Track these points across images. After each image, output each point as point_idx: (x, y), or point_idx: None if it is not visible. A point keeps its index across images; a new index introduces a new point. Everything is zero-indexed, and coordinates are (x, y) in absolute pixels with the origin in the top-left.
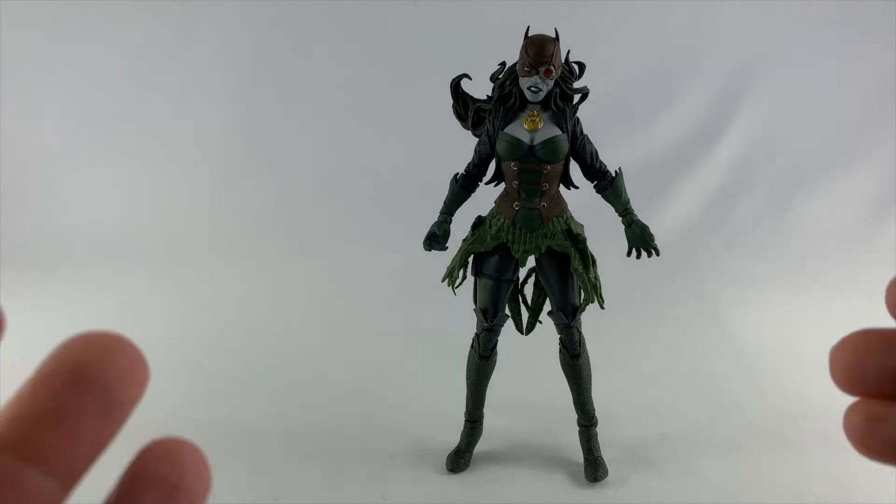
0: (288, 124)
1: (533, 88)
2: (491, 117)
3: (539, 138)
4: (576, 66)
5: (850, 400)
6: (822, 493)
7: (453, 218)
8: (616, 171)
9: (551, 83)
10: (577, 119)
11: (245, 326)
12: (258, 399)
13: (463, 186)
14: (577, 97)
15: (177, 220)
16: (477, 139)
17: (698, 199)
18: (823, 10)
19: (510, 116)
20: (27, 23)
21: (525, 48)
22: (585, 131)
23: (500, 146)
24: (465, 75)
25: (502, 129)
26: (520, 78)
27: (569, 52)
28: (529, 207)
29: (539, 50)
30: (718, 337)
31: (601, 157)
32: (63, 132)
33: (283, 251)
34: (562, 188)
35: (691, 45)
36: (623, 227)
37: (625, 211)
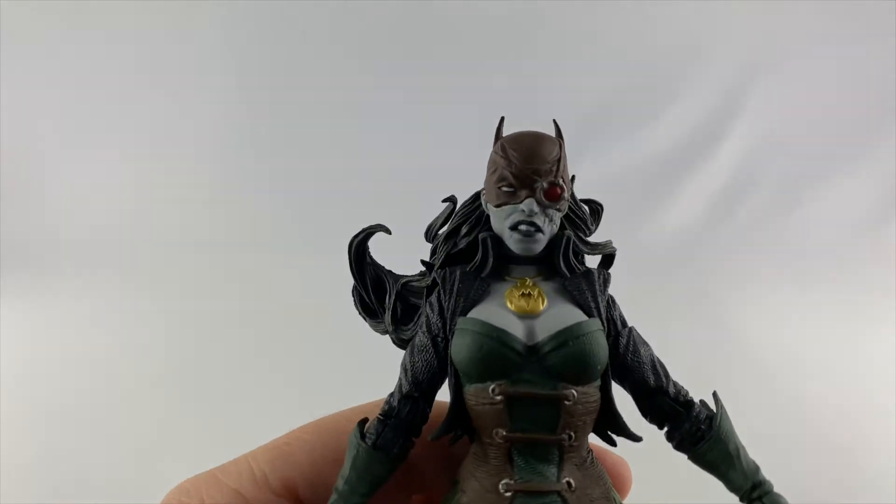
0: (286, 125)
1: (523, 227)
2: (437, 297)
3: (545, 327)
4: (585, 207)
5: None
6: (824, 494)
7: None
8: (703, 405)
9: (558, 216)
10: (612, 297)
11: (248, 326)
12: (260, 400)
13: (379, 447)
14: (592, 258)
15: (177, 221)
16: (401, 348)
17: (702, 199)
18: (828, 10)
19: (475, 290)
20: (25, 23)
21: (503, 150)
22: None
23: (462, 345)
24: (380, 227)
25: (463, 315)
26: (492, 213)
27: (573, 177)
28: (537, 491)
29: (533, 151)
30: (722, 337)
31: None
32: (61, 133)
33: (285, 251)
34: (596, 446)
35: (695, 44)
36: None
37: (754, 486)
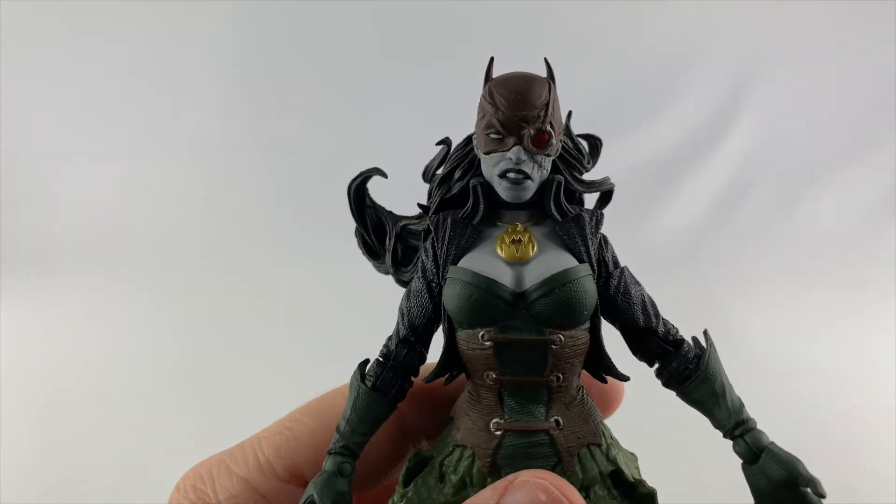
0: (285, 125)
1: (511, 174)
2: (432, 243)
3: (533, 274)
4: (584, 143)
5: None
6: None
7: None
8: (695, 342)
9: (548, 161)
10: (605, 237)
11: (247, 326)
12: (259, 399)
13: (378, 389)
14: (588, 197)
15: (177, 221)
16: (404, 288)
17: (703, 199)
18: (827, 11)
19: (467, 238)
20: (26, 25)
21: (490, 95)
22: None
23: (453, 295)
24: (376, 170)
25: (454, 264)
26: (482, 159)
27: (570, 113)
28: (526, 430)
29: (520, 96)
30: (723, 337)
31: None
32: (60, 132)
33: (283, 252)
34: (587, 385)
35: (696, 45)
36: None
37: (737, 424)
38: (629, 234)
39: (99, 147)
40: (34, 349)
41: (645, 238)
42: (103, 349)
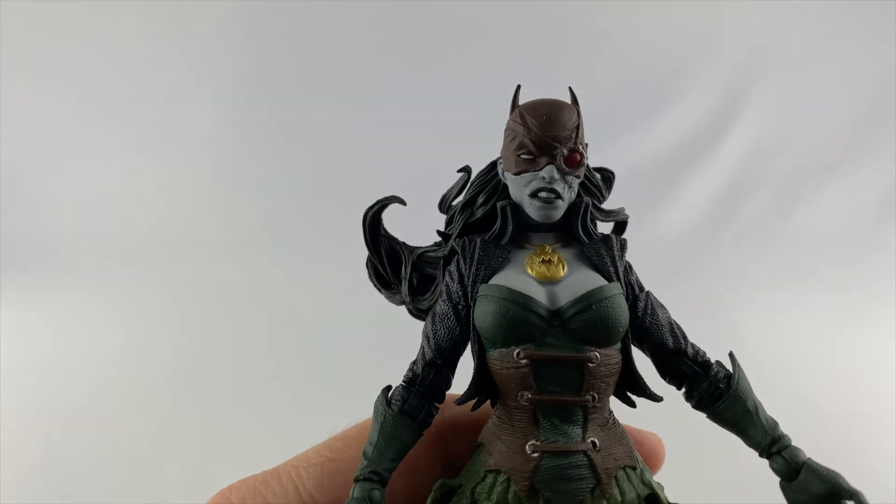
0: (285, 127)
1: (543, 194)
2: (457, 266)
3: (567, 292)
4: (598, 175)
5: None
6: None
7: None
8: (720, 365)
9: (576, 182)
10: (629, 263)
11: (247, 326)
12: (260, 400)
13: (406, 412)
14: (604, 226)
15: (177, 222)
16: (419, 319)
17: (704, 199)
18: (828, 10)
19: (496, 258)
20: (24, 23)
21: (521, 118)
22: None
23: (486, 312)
24: (394, 199)
25: (484, 282)
26: (510, 181)
27: (586, 146)
28: (563, 451)
29: (552, 118)
30: (723, 337)
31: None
32: (60, 133)
33: (283, 250)
34: (631, 427)
35: (696, 44)
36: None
37: (773, 441)
38: (629, 235)
39: (99, 147)
40: (34, 348)
41: (646, 238)
42: (103, 348)
